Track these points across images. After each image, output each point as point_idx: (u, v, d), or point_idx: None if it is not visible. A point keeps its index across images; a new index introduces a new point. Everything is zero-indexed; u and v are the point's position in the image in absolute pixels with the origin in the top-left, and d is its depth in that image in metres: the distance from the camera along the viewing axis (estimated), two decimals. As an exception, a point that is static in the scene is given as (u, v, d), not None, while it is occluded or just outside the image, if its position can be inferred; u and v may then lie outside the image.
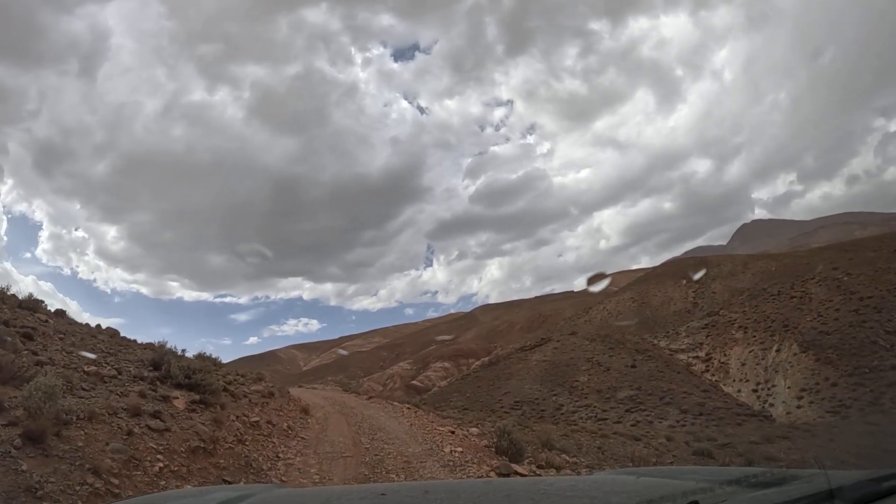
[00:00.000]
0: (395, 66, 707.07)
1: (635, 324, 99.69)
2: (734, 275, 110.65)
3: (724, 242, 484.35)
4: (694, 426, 52.80)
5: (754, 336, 72.83)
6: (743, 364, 69.79)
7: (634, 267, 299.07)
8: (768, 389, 63.59)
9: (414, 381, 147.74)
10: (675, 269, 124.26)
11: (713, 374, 71.20)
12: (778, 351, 67.14)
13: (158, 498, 3.40)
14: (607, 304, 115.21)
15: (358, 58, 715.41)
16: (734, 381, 68.53)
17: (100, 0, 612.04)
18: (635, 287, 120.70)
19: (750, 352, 70.83)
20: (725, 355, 73.49)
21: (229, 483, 9.63)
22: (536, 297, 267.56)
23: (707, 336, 79.17)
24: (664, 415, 55.37)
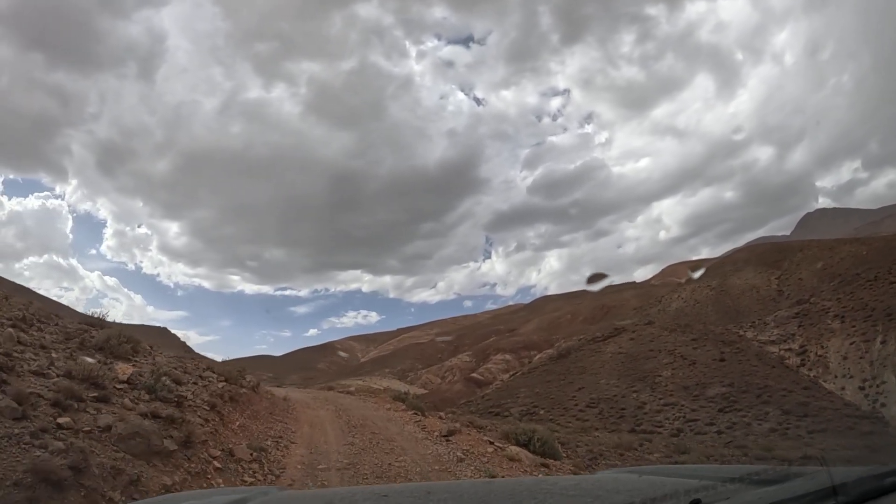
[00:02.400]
0: (451, 57, 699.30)
1: (712, 312, 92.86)
2: (820, 260, 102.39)
3: (787, 233, 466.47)
4: (799, 430, 46.01)
5: (853, 326, 64.88)
6: (844, 358, 61.92)
7: (695, 258, 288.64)
8: (878, 387, 55.78)
9: (474, 374, 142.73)
10: (754, 256, 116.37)
11: (811, 369, 63.42)
12: (883, 343, 59.39)
13: (158, 502, 3.45)
14: (682, 292, 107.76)
15: (412, 51, 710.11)
16: (835, 376, 60.76)
17: (155, 4, 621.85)
18: (710, 275, 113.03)
19: (851, 344, 63.01)
20: (823, 347, 65.66)
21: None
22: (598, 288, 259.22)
23: (799, 326, 71.30)
24: (763, 416, 48.48)
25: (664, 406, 50.86)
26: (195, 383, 13.25)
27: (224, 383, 14.80)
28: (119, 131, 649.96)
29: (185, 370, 14.30)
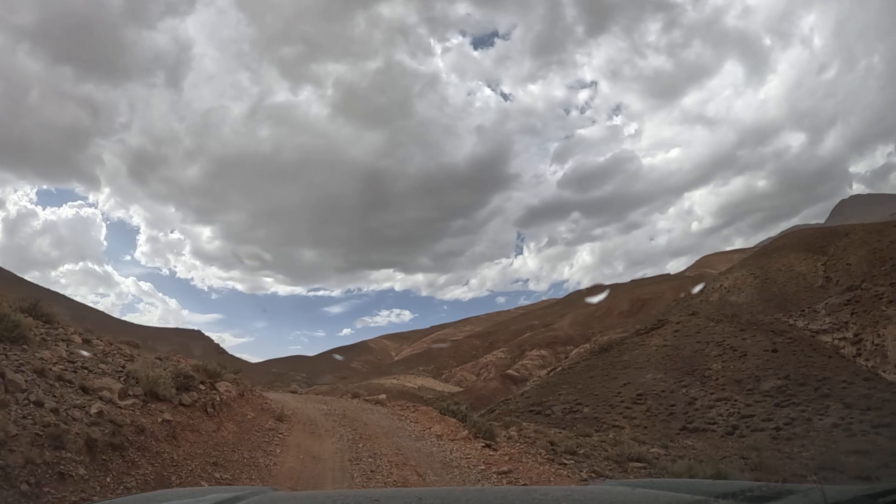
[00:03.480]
0: (476, 53, 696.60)
1: (757, 301, 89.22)
2: (867, 244, 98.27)
3: (821, 221, 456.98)
4: (863, 424, 42.82)
5: (910, 312, 61.39)
6: (903, 346, 58.49)
7: (728, 248, 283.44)
8: (942, 377, 52.49)
9: (510, 371, 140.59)
10: (797, 242, 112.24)
11: (867, 359, 59.79)
12: (945, 329, 56.03)
13: (153, 497, 3.29)
14: (724, 281, 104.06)
15: (438, 48, 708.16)
16: (894, 366, 57.39)
17: (180, 13, 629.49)
18: (752, 262, 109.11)
19: (909, 330, 59.61)
20: (879, 336, 61.91)
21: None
22: (632, 281, 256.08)
23: (852, 314, 67.45)
24: (823, 410, 45.21)
25: (716, 401, 47.81)
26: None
27: (176, 394, 10.98)
28: (149, 139, 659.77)
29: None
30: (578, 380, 58.07)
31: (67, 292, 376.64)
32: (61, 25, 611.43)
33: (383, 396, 27.91)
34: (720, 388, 49.96)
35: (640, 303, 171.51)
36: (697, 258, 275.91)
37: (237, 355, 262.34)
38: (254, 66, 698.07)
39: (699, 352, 57.21)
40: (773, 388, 48.71)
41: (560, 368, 76.97)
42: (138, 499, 3.21)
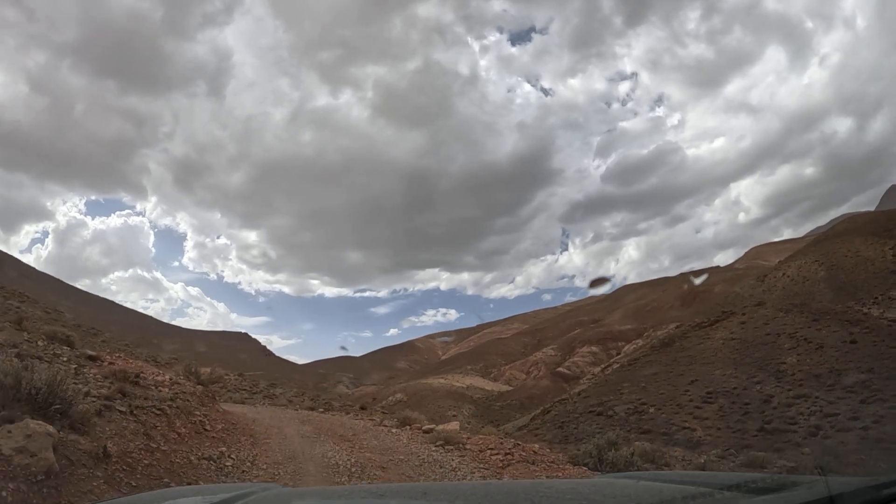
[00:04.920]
0: (514, 50, 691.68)
1: (825, 289, 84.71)
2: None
3: (871, 208, 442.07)
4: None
5: None
6: None
7: (776, 239, 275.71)
8: None
9: (560, 368, 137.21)
10: (860, 226, 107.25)
11: (953, 349, 55.49)
12: None
13: (158, 495, 3.41)
14: (787, 269, 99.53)
15: (475, 46, 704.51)
16: (985, 356, 52.80)
17: (218, 23, 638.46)
18: (814, 249, 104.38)
19: None
20: (964, 324, 57.56)
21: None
22: (681, 275, 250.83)
23: (932, 300, 63.30)
24: (916, 406, 41.28)
25: (795, 399, 43.74)
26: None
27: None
28: (193, 148, 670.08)
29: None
30: (640, 377, 54.26)
31: (118, 299, 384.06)
32: (102, 41, 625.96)
33: (422, 426, 17.73)
34: (798, 384, 45.88)
35: (693, 295, 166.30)
36: (746, 250, 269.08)
37: (285, 357, 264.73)
38: (293, 71, 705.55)
39: (770, 344, 53.06)
40: (857, 383, 44.49)
41: (618, 365, 73.41)
42: (144, 497, 3.20)
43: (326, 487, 8.21)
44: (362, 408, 33.95)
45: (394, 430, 16.94)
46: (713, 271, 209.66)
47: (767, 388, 45.95)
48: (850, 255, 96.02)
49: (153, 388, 11.70)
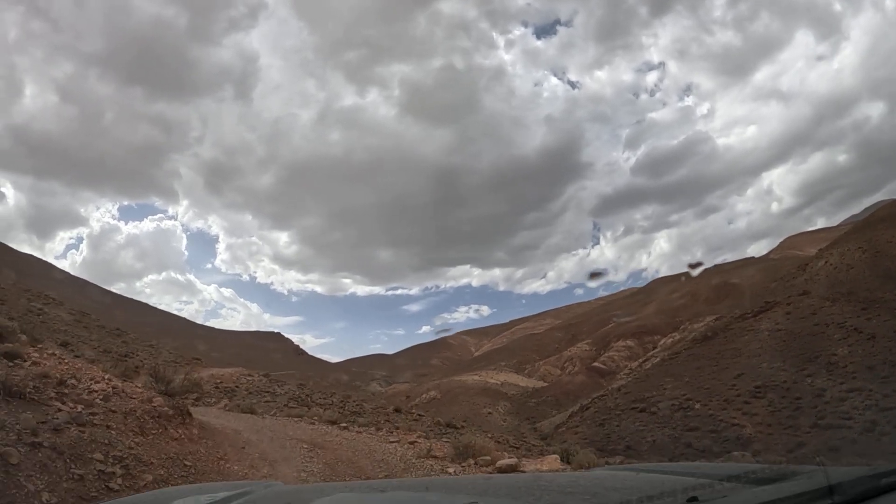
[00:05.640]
0: (539, 43, 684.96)
1: (870, 277, 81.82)
2: None
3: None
4: None
5: None
6: None
7: (810, 228, 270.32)
8: None
9: (596, 364, 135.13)
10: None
11: None
12: None
13: (160, 494, 3.60)
14: (829, 257, 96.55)
15: (500, 41, 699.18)
16: None
17: (243, 27, 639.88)
18: (857, 236, 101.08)
19: None
20: None
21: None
22: (715, 267, 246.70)
23: None
24: (977, 398, 39.05)
25: (848, 392, 41.65)
26: None
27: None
28: (222, 151, 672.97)
29: None
30: (683, 371, 52.38)
31: (152, 301, 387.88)
32: (128, 49, 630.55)
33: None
34: (850, 377, 43.77)
35: (728, 287, 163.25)
36: (780, 240, 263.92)
37: (318, 356, 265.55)
38: (319, 72, 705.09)
39: (819, 335, 50.87)
40: (914, 375, 42.46)
41: (658, 359, 71.49)
42: (145, 497, 3.25)
43: (328, 484, 8.05)
44: (396, 410, 32.52)
45: (450, 470, 12.26)
46: (748, 262, 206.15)
47: (819, 381, 43.95)
48: (894, 241, 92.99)
49: (67, 402, 8.73)
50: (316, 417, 21.27)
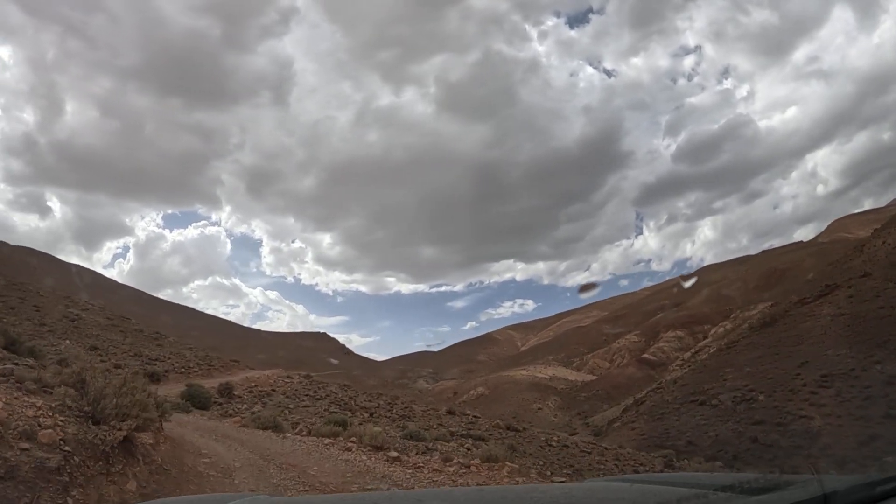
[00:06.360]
0: (572, 33, 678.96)
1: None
2: None
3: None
4: None
5: None
6: None
7: (857, 210, 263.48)
8: None
9: (645, 355, 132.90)
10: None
11: None
12: None
13: None
14: (887, 237, 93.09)
15: (533, 33, 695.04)
16: None
17: (276, 34, 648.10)
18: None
19: None
20: None
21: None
22: (763, 252, 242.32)
23: None
24: None
25: (922, 378, 39.42)
26: None
27: None
28: (262, 156, 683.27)
29: None
30: (743, 361, 50.22)
31: (199, 306, 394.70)
32: (164, 62, 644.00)
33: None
34: (925, 362, 41.43)
35: (778, 273, 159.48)
36: (828, 223, 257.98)
37: (364, 355, 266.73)
38: (354, 74, 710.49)
39: (886, 319, 48.20)
40: None
41: (715, 349, 69.30)
42: None
43: (315, 496, 8.07)
44: (450, 412, 31.23)
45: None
46: (796, 247, 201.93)
47: (889, 367, 41.46)
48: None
49: None
50: (355, 439, 15.93)
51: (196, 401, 26.12)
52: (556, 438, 31.81)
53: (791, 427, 36.15)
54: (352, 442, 15.69)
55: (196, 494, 8.34)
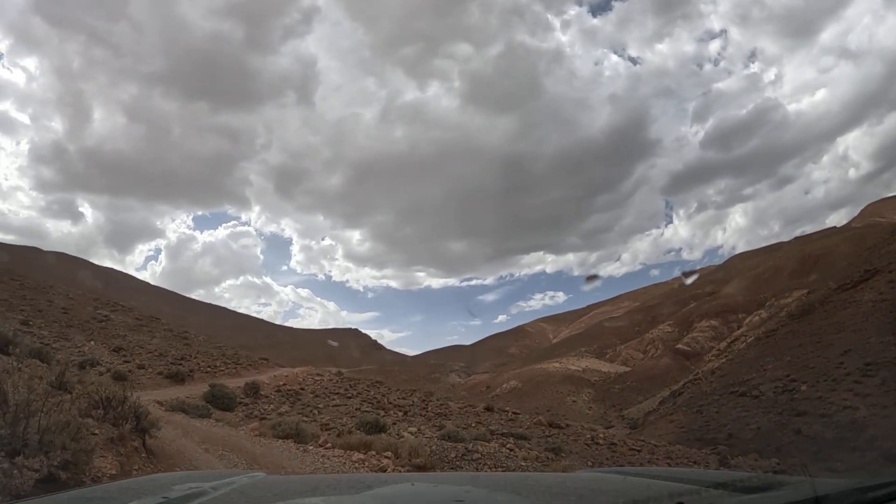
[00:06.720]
0: (595, 21, 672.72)
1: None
2: None
3: None
4: None
5: None
6: None
7: (891, 194, 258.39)
8: None
9: (680, 345, 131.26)
10: None
11: None
12: None
13: (149, 480, 3.35)
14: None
15: (556, 22, 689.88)
16: None
17: (299, 33, 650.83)
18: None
19: None
20: None
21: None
22: (796, 239, 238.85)
23: None
24: None
25: (972, 366, 38.13)
26: None
27: None
28: (290, 156, 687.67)
29: None
30: (784, 350, 49.06)
31: (231, 305, 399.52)
32: (189, 66, 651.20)
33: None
34: (973, 349, 40.09)
35: (812, 260, 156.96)
36: (861, 207, 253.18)
37: (395, 350, 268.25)
38: (378, 70, 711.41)
39: (931, 304, 47.01)
40: None
41: (753, 338, 68.02)
42: (132, 483, 3.22)
43: (315, 476, 7.97)
44: (488, 408, 30.69)
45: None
46: (830, 232, 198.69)
47: (937, 354, 40.33)
48: None
49: None
50: (390, 454, 14.16)
51: (219, 402, 25.66)
52: (601, 435, 31.03)
53: (835, 418, 35.10)
54: (386, 458, 14.00)
55: (195, 470, 8.55)
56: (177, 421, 16.63)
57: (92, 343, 36.48)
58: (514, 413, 33.98)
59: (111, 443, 8.63)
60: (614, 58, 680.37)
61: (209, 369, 36.64)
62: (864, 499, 1.98)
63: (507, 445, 20.50)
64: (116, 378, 27.96)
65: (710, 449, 34.35)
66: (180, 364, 35.25)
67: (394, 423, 23.77)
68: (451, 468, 15.44)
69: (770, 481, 2.41)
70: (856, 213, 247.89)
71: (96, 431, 8.34)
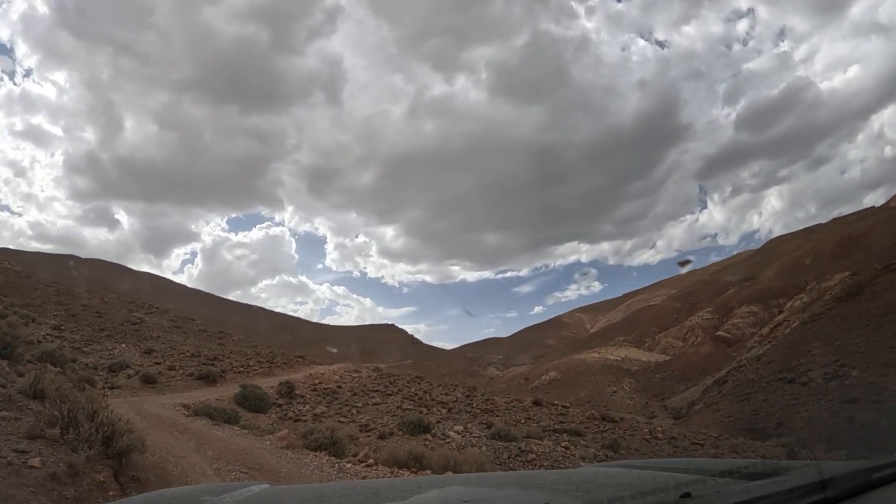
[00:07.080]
0: (620, 6, 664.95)
1: None
2: None
3: None
4: None
5: None
6: None
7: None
8: None
9: (720, 332, 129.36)
10: None
11: None
12: None
13: (151, 497, 3.22)
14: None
15: (581, 9, 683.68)
16: None
17: (324, 33, 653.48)
18: None
19: None
20: None
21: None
22: (834, 220, 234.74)
23: None
24: None
25: None
26: None
27: None
28: (320, 155, 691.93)
29: None
30: (831, 334, 47.78)
31: (268, 305, 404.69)
32: (217, 71, 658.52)
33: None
34: None
35: (853, 241, 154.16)
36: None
37: (433, 344, 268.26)
38: (404, 66, 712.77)
39: None
40: None
41: (797, 323, 66.56)
42: (136, 500, 3.21)
43: (317, 485, 7.82)
44: (536, 402, 30.08)
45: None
46: (868, 213, 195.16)
47: None
48: None
49: None
50: (450, 475, 9.23)
51: (250, 403, 24.59)
52: (659, 429, 30.19)
53: (889, 405, 34.05)
54: (446, 470, 12.02)
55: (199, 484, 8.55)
56: (195, 429, 15.10)
57: (123, 345, 36.67)
58: (564, 407, 33.06)
59: (51, 480, 6.50)
60: (641, 42, 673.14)
61: (242, 369, 36.23)
62: (870, 479, 2.00)
63: (562, 443, 19.54)
64: (145, 381, 27.84)
65: (774, 440, 33.30)
66: (212, 364, 34.92)
67: (438, 422, 22.96)
68: (505, 471, 14.80)
69: (775, 467, 2.42)
70: (893, 193, 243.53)
71: (34, 464, 6.62)
